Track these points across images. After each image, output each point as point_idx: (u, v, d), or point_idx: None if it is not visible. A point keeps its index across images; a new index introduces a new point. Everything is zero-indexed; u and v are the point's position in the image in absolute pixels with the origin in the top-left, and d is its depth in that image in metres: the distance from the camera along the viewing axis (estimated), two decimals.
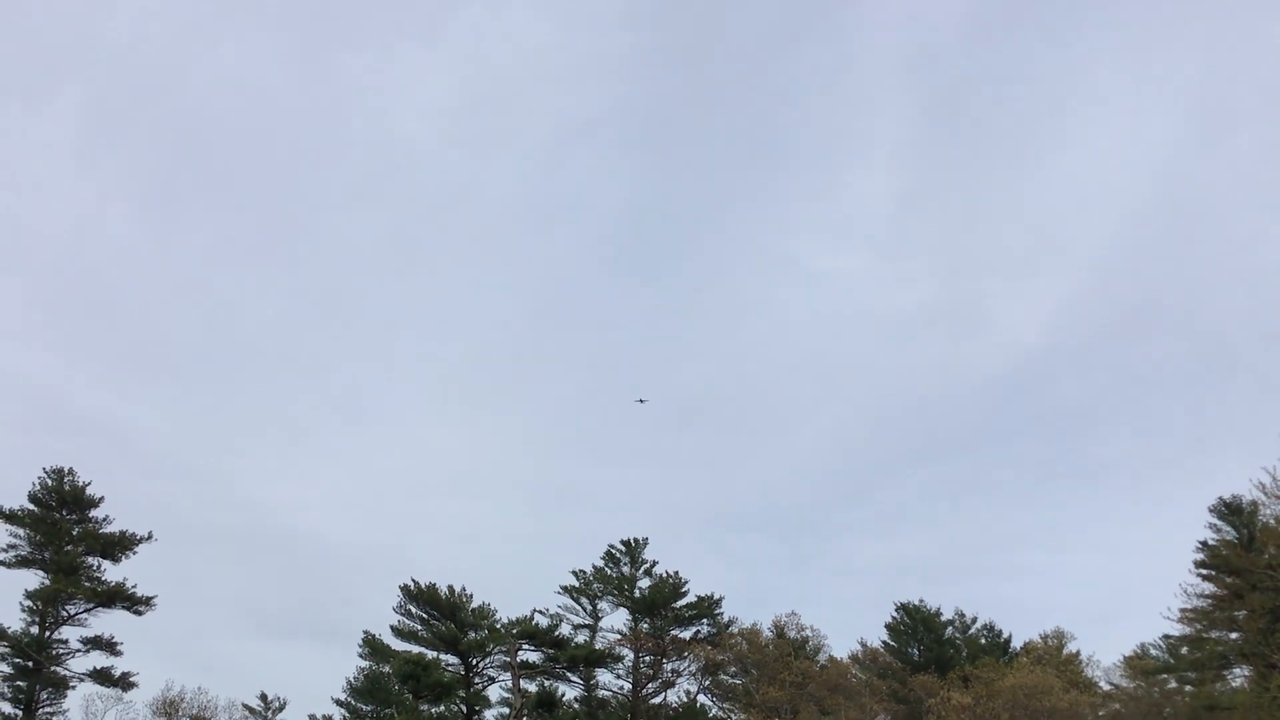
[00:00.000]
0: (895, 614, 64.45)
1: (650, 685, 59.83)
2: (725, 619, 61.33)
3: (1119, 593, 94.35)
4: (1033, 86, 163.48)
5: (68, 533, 52.39)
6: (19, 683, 50.26)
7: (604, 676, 60.05)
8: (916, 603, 64.33)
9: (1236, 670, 48.42)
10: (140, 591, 52.53)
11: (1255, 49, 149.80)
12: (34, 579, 51.67)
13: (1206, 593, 49.70)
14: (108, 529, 53.04)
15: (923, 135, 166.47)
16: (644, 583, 61.76)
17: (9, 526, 51.74)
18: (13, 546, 51.94)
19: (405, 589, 58.11)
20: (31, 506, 52.28)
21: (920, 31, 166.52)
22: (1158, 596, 67.86)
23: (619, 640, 60.32)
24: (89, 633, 52.01)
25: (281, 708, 56.39)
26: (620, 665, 59.92)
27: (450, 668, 56.73)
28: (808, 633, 63.31)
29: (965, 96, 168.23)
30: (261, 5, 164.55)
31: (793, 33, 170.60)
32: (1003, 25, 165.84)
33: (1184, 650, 51.38)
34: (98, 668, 51.57)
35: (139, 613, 52.79)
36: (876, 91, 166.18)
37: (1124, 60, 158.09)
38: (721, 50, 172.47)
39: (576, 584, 62.21)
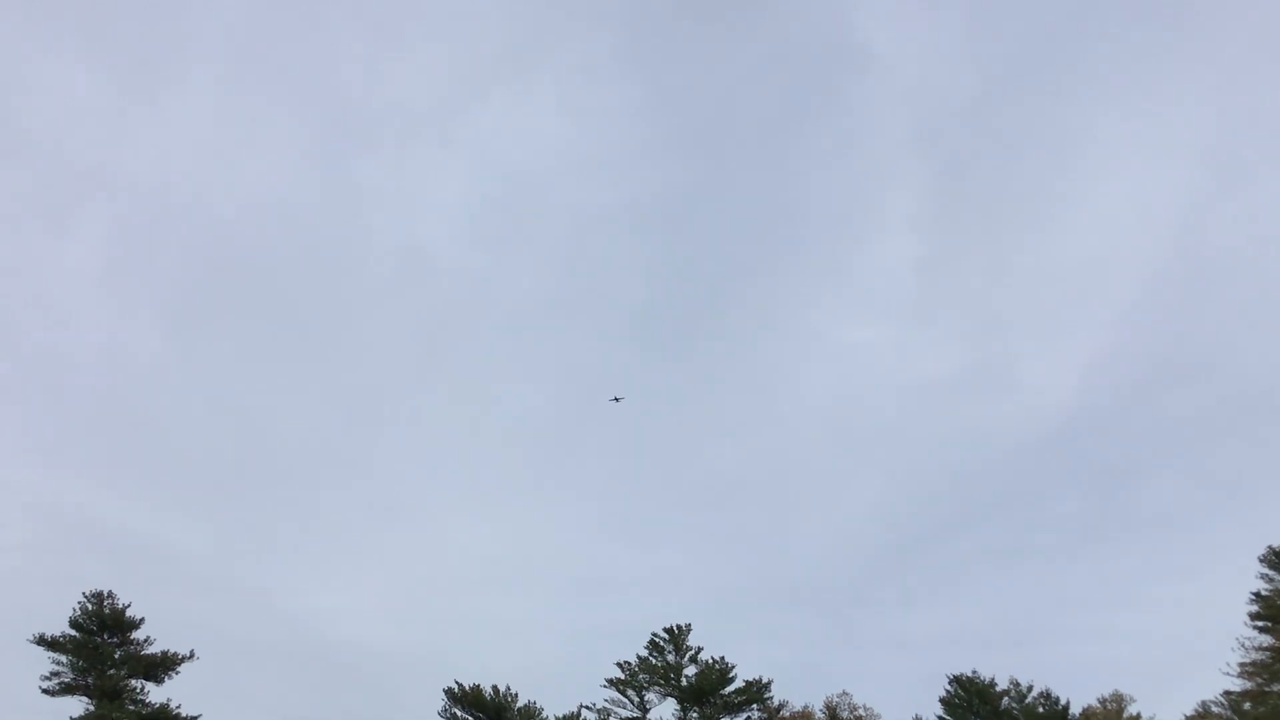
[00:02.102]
0: (948, 687, 63.10)
1: None
2: (775, 702, 60.23)
3: (1176, 649, 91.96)
4: (1043, 146, 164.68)
5: (110, 656, 52.33)
6: None
7: None
8: (969, 674, 63.02)
9: None
10: (184, 711, 52.37)
11: (1266, 95, 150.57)
12: (78, 706, 51.65)
13: (1265, 645, 48.59)
14: (150, 650, 53.06)
15: (937, 202, 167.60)
16: (690, 670, 60.88)
17: (51, 654, 51.80)
18: (55, 674, 51.92)
19: (449, 692, 57.53)
20: (73, 632, 52.35)
21: (926, 102, 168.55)
22: (1216, 651, 66.17)
23: None
24: None
25: None
26: None
27: None
28: (861, 712, 62.18)
29: (976, 161, 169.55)
30: (280, 120, 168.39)
31: (801, 112, 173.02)
32: (1008, 89, 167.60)
33: (1247, 706, 50.09)
34: None
35: None
36: (887, 163, 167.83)
37: (1134, 113, 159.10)
38: (733, 133, 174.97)
39: (622, 675, 61.30)
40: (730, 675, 60.13)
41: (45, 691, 51.31)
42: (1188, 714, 56.37)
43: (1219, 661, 51.99)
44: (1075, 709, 62.03)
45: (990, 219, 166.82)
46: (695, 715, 59.23)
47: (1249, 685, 49.51)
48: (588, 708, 58.14)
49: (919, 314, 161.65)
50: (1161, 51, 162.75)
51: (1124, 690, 62.37)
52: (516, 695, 57.52)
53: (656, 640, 61.86)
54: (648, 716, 60.64)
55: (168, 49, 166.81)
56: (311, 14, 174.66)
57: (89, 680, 51.59)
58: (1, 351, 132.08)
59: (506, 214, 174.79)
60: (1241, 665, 49.60)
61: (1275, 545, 49.25)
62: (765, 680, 60.44)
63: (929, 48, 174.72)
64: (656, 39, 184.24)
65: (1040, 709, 61.71)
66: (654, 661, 61.42)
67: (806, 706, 59.69)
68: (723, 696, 59.55)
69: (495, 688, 57.38)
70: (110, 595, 52.92)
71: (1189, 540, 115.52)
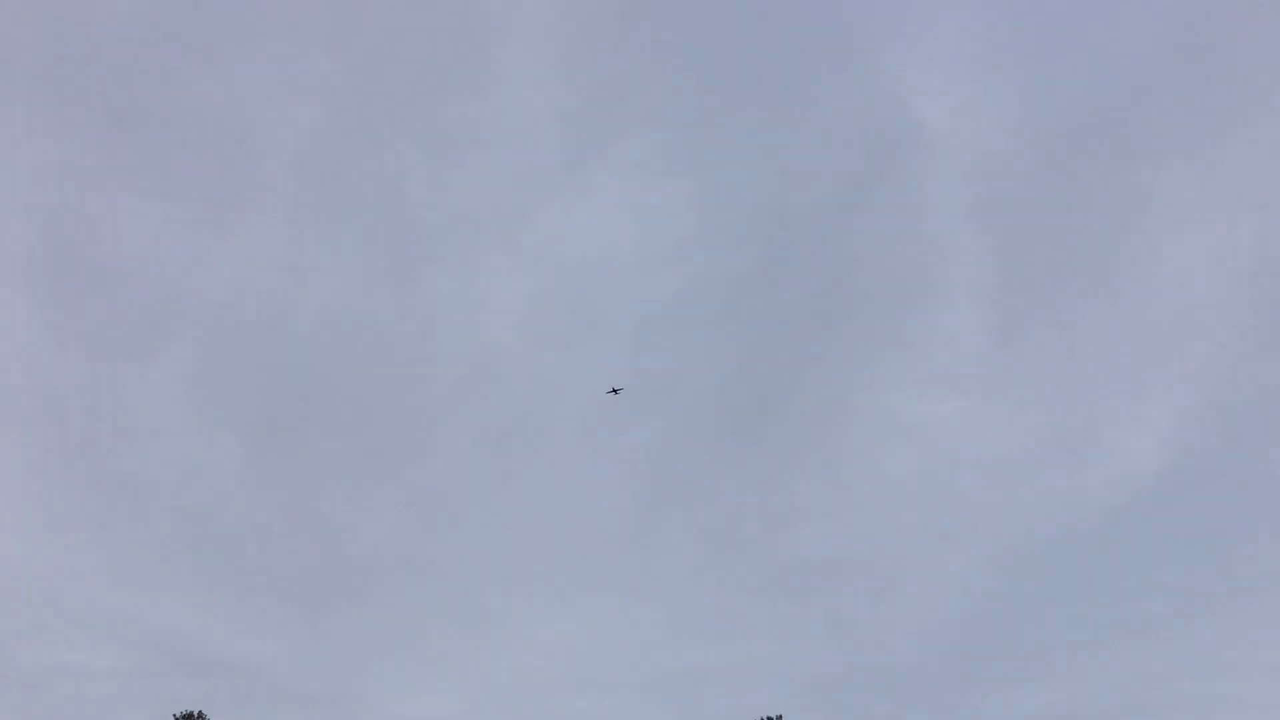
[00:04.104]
0: None
1: None
2: None
3: None
4: (1107, 209, 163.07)
5: None
6: None
7: None
8: None
9: None
10: None
11: None
12: None
13: None
14: None
15: (1003, 273, 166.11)
16: None
17: None
18: None
19: None
20: None
21: (985, 174, 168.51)
22: None
23: None
24: None
25: None
26: None
27: None
28: None
29: (1040, 230, 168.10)
30: (349, 237, 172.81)
31: (858, 193, 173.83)
32: (1066, 156, 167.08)
33: None
34: None
35: None
36: (950, 237, 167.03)
37: (1196, 168, 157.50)
38: (791, 219, 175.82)
39: None
40: None
41: None
42: None
43: None
44: None
45: (1059, 286, 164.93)
46: None
47: None
48: None
49: (994, 386, 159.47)
50: (1217, 105, 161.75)
51: None
52: None
53: None
54: None
55: (239, 178, 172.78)
56: (374, 131, 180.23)
57: None
58: (88, 478, 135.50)
59: (572, 313, 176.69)
60: None
61: None
62: None
63: (982, 120, 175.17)
64: (711, 131, 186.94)
65: None
66: None
67: None
68: None
69: None
70: (200, 715, 53.33)
71: None
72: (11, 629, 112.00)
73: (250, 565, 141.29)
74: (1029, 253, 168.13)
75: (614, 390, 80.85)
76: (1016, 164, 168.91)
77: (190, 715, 53.24)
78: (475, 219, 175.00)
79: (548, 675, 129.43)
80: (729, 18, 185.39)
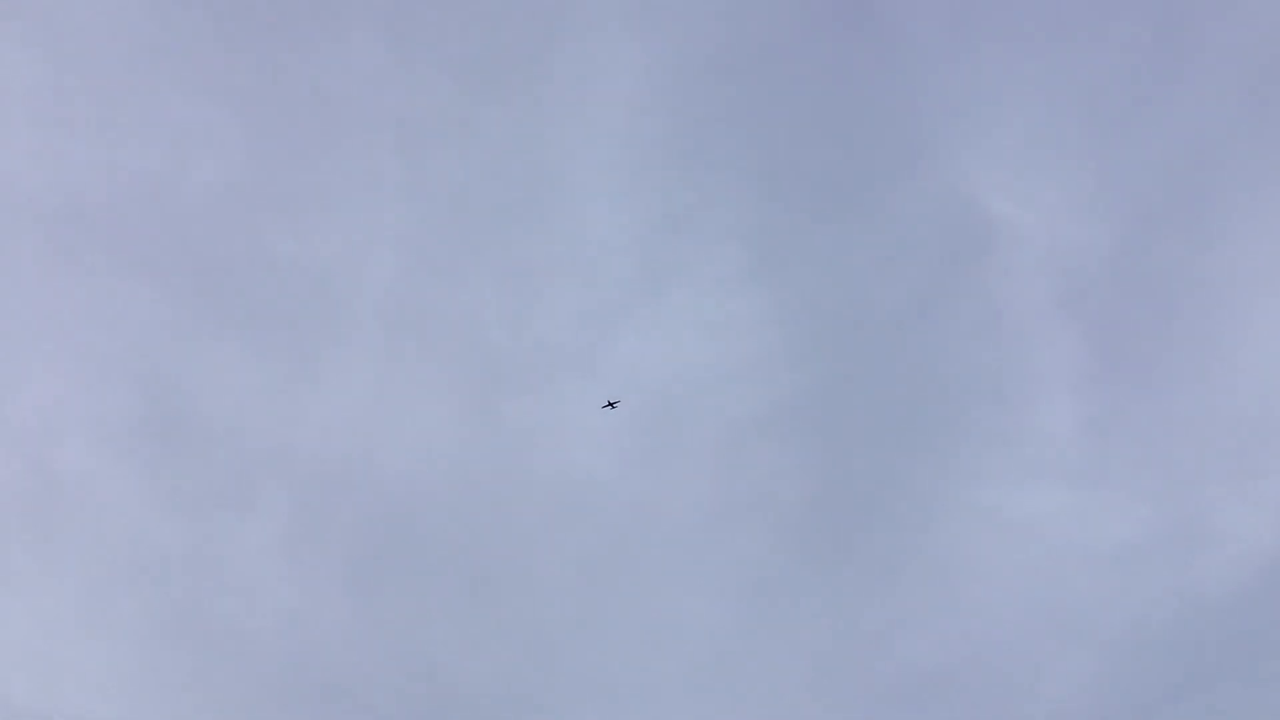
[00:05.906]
0: None
1: None
2: None
3: None
4: (1195, 287, 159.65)
5: None
6: None
7: None
8: None
9: None
10: None
11: None
12: None
13: None
14: None
15: (1094, 361, 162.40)
16: None
17: None
18: None
19: None
20: None
21: (1064, 263, 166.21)
22: None
23: None
24: None
25: None
26: None
27: None
28: None
29: (1127, 314, 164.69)
30: (434, 377, 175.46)
31: (936, 293, 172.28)
32: (1144, 237, 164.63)
33: None
34: None
35: None
36: (1035, 328, 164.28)
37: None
38: (871, 324, 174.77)
39: None
40: None
41: None
42: None
43: None
44: None
45: (1154, 370, 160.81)
46: None
47: None
48: None
49: (1095, 477, 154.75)
50: None
51: None
52: None
53: None
54: None
55: (325, 329, 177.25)
56: (453, 271, 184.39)
57: None
58: (191, 634, 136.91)
59: (656, 434, 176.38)
60: None
61: None
62: None
63: (1057, 209, 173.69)
64: (784, 244, 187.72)
65: None
66: None
67: None
68: None
69: None
70: None
71: None
72: None
73: (354, 710, 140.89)
74: (1119, 337, 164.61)
75: (610, 404, 79.18)
76: (1096, 250, 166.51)
77: None
78: (555, 349, 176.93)
79: None
80: (793, 129, 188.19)
